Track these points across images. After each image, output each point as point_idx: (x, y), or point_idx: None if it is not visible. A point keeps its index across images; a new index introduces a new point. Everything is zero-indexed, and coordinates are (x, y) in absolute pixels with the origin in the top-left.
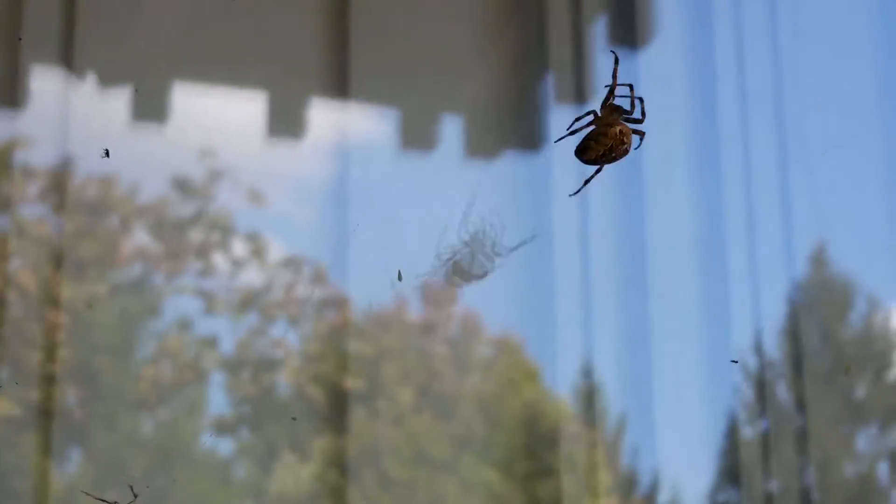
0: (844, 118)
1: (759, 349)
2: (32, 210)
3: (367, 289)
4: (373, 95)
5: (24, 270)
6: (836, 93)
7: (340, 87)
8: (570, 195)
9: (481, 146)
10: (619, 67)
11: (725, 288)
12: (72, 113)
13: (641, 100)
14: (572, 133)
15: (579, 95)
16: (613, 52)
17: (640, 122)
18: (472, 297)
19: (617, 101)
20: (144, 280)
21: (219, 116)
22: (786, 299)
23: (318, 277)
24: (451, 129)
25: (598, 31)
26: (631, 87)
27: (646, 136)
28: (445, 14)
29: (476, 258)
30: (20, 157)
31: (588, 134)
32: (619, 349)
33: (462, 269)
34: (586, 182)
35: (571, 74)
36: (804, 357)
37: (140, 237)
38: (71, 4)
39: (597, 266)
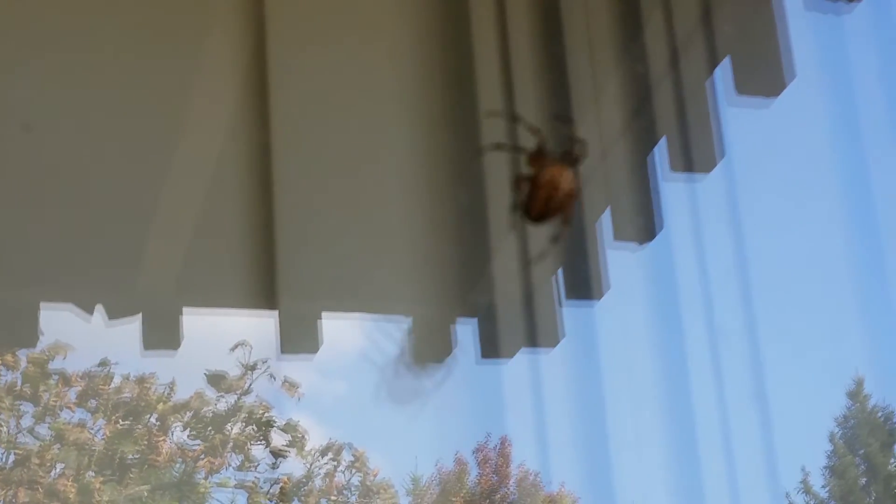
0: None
1: (807, 488)
2: (71, 415)
3: (408, 472)
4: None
5: (62, 479)
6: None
7: (353, 301)
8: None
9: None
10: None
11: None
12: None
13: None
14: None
15: (590, 291)
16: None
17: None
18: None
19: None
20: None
21: (233, 338)
22: (828, 437)
23: (358, 462)
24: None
25: (606, 226)
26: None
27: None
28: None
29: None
30: (56, 363)
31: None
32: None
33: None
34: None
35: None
36: (851, 494)
37: (178, 435)
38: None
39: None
